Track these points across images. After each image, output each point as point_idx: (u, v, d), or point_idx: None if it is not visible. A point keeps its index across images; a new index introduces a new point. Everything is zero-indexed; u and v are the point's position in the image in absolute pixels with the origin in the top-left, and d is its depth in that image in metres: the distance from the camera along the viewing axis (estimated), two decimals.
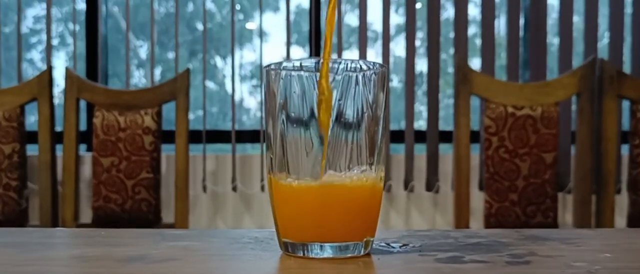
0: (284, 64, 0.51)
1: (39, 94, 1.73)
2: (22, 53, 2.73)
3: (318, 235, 0.49)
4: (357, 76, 0.50)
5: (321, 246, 0.49)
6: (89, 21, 2.16)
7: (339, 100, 0.50)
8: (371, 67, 0.51)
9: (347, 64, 0.51)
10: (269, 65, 0.51)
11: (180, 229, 0.61)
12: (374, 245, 0.54)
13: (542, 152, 1.67)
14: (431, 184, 2.07)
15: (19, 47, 2.13)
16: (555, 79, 1.71)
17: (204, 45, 2.10)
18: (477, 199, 1.83)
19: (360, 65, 0.51)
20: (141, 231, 0.63)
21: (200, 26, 2.76)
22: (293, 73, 0.50)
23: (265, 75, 0.52)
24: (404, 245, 0.55)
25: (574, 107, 1.87)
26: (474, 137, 1.85)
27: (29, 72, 2.78)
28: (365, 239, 0.50)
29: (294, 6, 2.49)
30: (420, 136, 2.14)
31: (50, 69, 1.76)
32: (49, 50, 2.04)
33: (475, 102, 1.79)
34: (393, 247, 0.54)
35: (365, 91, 0.51)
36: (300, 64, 0.51)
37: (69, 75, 1.75)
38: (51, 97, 1.75)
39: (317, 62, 0.51)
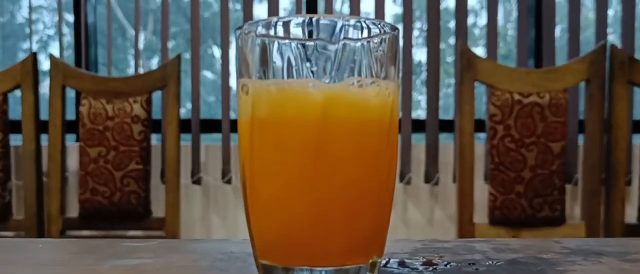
0: (260, 29, 0.36)
1: (22, 81, 1.58)
2: (17, 43, 2.58)
3: (307, 253, 0.35)
4: (359, 44, 0.36)
5: (311, 270, 0.35)
6: (77, 10, 2.00)
7: (333, 79, 0.36)
8: (379, 30, 0.37)
9: (344, 26, 0.36)
10: (242, 27, 0.37)
11: (141, 240, 0.45)
12: (381, 264, 0.39)
13: (550, 141, 1.52)
14: (430, 176, 1.92)
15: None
16: (564, 64, 1.56)
17: (196, 32, 1.95)
18: (481, 192, 1.68)
19: (364, 27, 0.36)
20: (89, 243, 0.49)
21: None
22: (274, 41, 0.36)
23: (238, 40, 0.37)
24: (421, 264, 0.41)
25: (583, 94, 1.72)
26: (477, 126, 1.70)
27: None
28: (371, 261, 0.36)
29: None
30: (416, 126, 1.99)
31: (34, 55, 1.61)
32: (31, 36, 1.88)
33: (477, 90, 1.63)
34: (407, 269, 0.40)
35: (371, 63, 0.36)
36: (284, 23, 0.36)
37: (54, 62, 1.60)
38: (36, 84, 1.60)
39: (309, 22, 0.36)
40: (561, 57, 1.97)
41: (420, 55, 2.57)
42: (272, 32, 0.36)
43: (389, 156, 0.35)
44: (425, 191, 1.94)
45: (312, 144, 0.33)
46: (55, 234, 1.58)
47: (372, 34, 0.37)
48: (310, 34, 0.36)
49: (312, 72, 0.35)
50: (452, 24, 2.47)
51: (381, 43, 0.37)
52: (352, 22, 0.36)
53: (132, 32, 3.11)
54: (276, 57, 0.36)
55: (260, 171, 0.35)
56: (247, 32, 0.36)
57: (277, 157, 0.34)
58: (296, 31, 0.36)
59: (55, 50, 2.81)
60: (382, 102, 0.36)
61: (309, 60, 0.36)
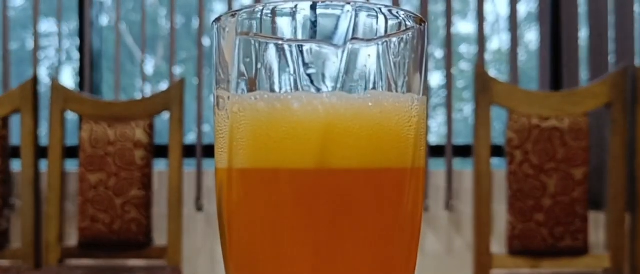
0: (241, 22, 0.27)
1: (22, 105, 1.50)
2: (28, 69, 2.53)
3: None
4: (372, 47, 0.26)
5: None
6: (82, 35, 1.94)
7: (341, 89, 0.26)
8: (400, 24, 0.27)
9: (353, 19, 0.27)
10: (220, 18, 0.27)
11: None
12: None
13: (571, 167, 1.42)
14: (449, 203, 1.81)
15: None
16: (585, 87, 1.46)
17: (199, 54, 1.88)
18: (499, 219, 1.57)
19: (379, 19, 0.27)
20: None
21: (206, 42, 2.55)
22: (261, 41, 0.26)
23: (215, 35, 0.28)
24: None
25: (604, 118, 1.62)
26: (495, 151, 1.60)
27: None
28: None
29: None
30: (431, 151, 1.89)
31: (34, 78, 1.54)
32: (36, 62, 1.81)
33: (495, 113, 1.53)
34: None
35: (388, 69, 0.27)
36: (273, 13, 0.27)
37: (55, 85, 1.52)
38: (36, 108, 1.52)
39: (311, 9, 0.26)
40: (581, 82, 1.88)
41: (432, 79, 2.49)
42: (255, 26, 0.26)
43: (413, 199, 0.25)
44: (444, 218, 1.83)
45: (308, 191, 0.23)
46: (53, 263, 1.49)
47: (390, 30, 0.27)
48: (313, 24, 0.26)
49: (310, 79, 0.26)
50: (463, 49, 2.39)
51: (403, 42, 0.27)
52: (363, 13, 0.27)
53: (142, 58, 3.06)
54: (261, 62, 0.26)
55: (241, 219, 0.25)
56: (224, 22, 0.26)
57: (261, 208, 0.24)
58: (289, 24, 0.27)
59: (66, 75, 2.75)
60: (404, 127, 0.26)
61: (305, 65, 0.26)
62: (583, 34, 1.86)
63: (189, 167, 1.79)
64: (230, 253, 0.26)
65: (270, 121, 0.25)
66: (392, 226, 0.24)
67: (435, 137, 2.03)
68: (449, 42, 1.84)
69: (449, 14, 1.85)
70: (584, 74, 1.86)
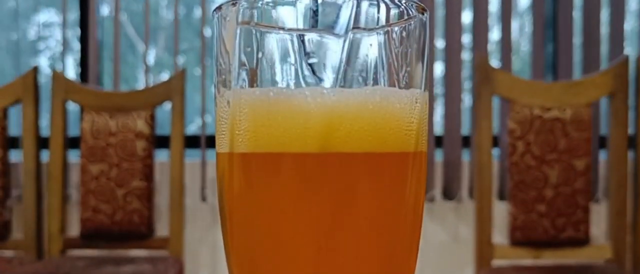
0: (242, 11, 0.26)
1: (23, 95, 1.50)
2: (29, 60, 2.53)
3: None
4: (374, 36, 0.26)
5: None
6: (84, 25, 1.93)
7: (340, 82, 0.26)
8: (402, 13, 0.27)
9: (354, 8, 0.26)
10: (220, 7, 0.27)
11: None
12: None
13: (573, 158, 1.41)
14: (450, 193, 1.81)
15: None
16: (587, 78, 1.46)
17: (201, 43, 1.87)
18: (501, 210, 1.58)
19: (381, 8, 0.27)
20: None
21: (207, 32, 2.54)
22: (262, 30, 0.26)
23: (215, 24, 0.28)
24: None
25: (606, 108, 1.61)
26: (495, 142, 1.60)
27: None
28: None
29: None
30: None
31: (35, 69, 1.54)
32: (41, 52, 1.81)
33: (495, 104, 1.53)
34: None
35: (390, 59, 0.27)
36: (274, 3, 0.26)
37: (56, 76, 1.52)
38: (37, 99, 1.52)
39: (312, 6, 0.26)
40: (576, 72, 1.88)
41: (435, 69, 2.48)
42: (256, 15, 0.26)
43: (414, 190, 0.25)
44: (445, 207, 1.84)
45: (311, 180, 0.23)
46: (55, 253, 1.49)
47: (392, 19, 0.27)
48: (314, 13, 0.26)
49: (311, 69, 0.26)
50: (463, 38, 2.38)
51: (404, 31, 0.27)
52: (365, 2, 0.27)
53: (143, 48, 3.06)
54: (262, 52, 0.26)
55: (242, 204, 0.25)
56: (225, 12, 0.26)
57: (263, 192, 0.24)
58: (290, 13, 0.26)
59: (68, 66, 2.75)
60: (406, 119, 0.26)
61: (306, 54, 0.26)
62: (579, 24, 1.85)
63: (193, 157, 1.80)
64: (231, 238, 0.26)
65: (272, 107, 0.25)
66: (395, 209, 0.24)
67: (437, 127, 2.02)
68: (455, 30, 1.84)
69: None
70: (579, 65, 1.85)
